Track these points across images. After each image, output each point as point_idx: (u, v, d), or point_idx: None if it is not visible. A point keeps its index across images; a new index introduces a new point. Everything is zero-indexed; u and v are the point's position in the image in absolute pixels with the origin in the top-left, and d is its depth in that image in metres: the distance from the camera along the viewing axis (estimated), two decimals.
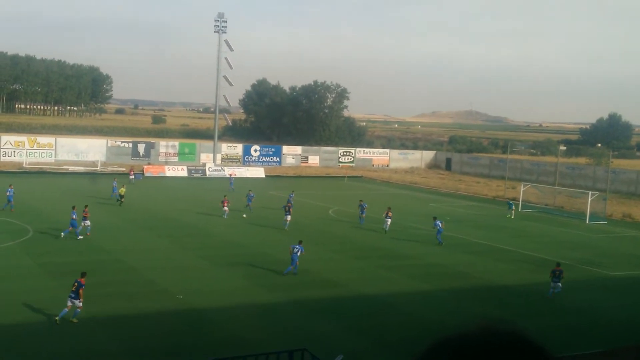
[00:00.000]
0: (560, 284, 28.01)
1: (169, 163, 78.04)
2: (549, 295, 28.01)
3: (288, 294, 26.62)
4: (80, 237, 34.84)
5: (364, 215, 44.89)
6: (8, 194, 42.70)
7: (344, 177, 78.75)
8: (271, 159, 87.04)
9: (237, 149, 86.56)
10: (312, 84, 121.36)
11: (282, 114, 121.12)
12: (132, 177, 61.28)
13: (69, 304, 21.79)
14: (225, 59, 78.70)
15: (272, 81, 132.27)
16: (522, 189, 59.03)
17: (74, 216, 34.82)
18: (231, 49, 78.49)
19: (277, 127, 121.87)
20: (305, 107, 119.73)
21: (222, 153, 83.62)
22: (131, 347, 20.46)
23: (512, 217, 52.00)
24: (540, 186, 64.62)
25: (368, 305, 25.95)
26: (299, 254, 29.56)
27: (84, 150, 77.32)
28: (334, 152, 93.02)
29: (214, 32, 77.70)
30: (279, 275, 29.61)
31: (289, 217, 41.10)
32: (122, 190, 47.95)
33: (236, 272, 29.90)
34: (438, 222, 39.00)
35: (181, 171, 73.64)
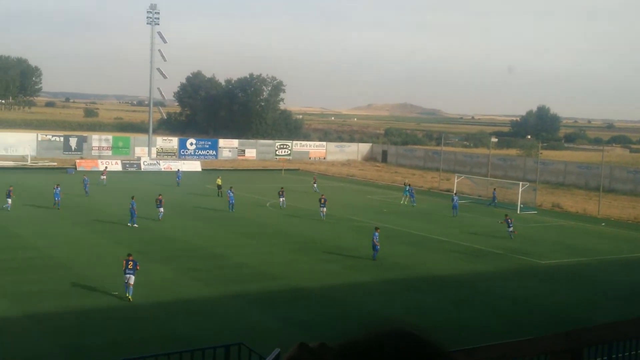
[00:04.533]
0: (512, 228, 39.38)
1: (102, 157, 76.22)
2: (510, 236, 39.24)
3: (225, 288, 26.48)
4: (136, 225, 38.10)
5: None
6: (55, 191, 44.31)
7: (281, 170, 78.68)
8: (207, 152, 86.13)
9: (173, 142, 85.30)
10: (248, 76, 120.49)
11: (218, 107, 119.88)
12: (103, 177, 58.74)
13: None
14: (159, 51, 77.42)
15: (207, 74, 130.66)
16: (456, 180, 60.28)
17: (134, 206, 38.45)
18: (164, 41, 77.28)
19: (213, 121, 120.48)
20: (241, 100, 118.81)
21: (157, 147, 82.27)
22: (66, 345, 19.97)
23: (405, 203, 53.90)
24: (473, 177, 66.05)
25: (306, 298, 26.05)
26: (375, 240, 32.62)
27: (13, 145, 74.79)
28: (270, 145, 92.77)
29: (147, 23, 76.30)
30: (214, 269, 29.44)
31: (324, 209, 44.00)
32: (219, 181, 49.82)
33: (171, 266, 29.53)
34: (456, 198, 49.75)
35: (115, 165, 72.06)
